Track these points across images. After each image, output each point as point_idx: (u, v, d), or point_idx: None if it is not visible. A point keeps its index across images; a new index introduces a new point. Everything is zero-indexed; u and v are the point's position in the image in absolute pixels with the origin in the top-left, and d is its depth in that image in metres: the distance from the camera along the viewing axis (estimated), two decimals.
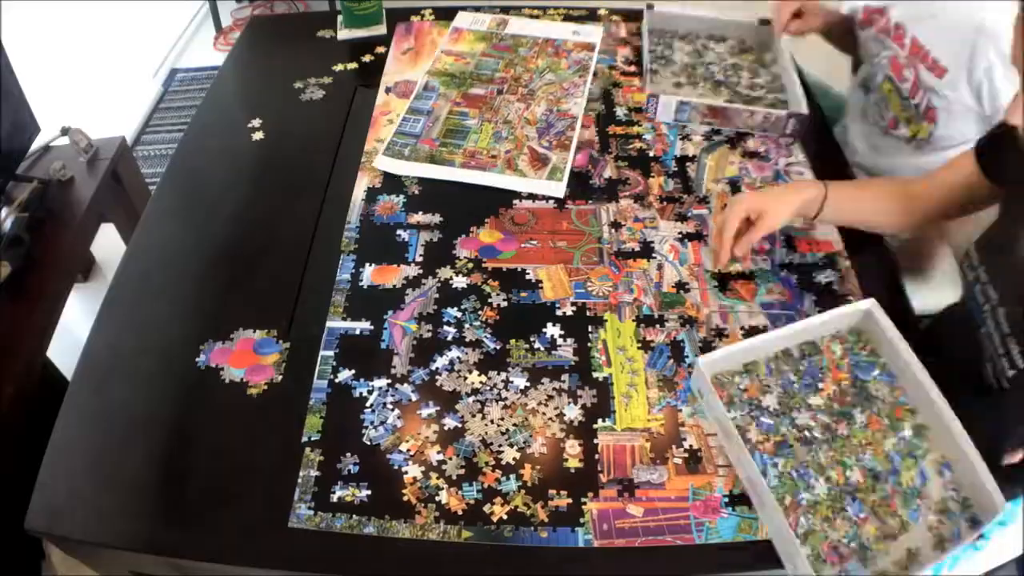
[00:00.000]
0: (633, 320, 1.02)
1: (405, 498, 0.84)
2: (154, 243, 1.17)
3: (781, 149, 1.27)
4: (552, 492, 0.85)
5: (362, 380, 0.95)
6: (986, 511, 0.81)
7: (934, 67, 1.16)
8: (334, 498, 0.84)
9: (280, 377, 0.96)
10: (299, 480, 0.86)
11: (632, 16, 1.58)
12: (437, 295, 1.05)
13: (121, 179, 1.74)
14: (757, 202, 1.01)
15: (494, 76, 1.41)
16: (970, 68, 1.11)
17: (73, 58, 2.21)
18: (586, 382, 0.95)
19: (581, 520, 0.83)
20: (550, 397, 0.93)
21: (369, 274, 1.08)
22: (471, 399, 0.93)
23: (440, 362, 0.97)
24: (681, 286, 1.06)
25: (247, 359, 0.98)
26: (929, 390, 0.87)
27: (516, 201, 1.19)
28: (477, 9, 1.61)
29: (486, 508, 0.84)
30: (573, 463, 0.88)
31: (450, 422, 0.91)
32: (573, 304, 1.04)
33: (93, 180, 1.61)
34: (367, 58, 1.50)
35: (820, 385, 0.92)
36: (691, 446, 0.89)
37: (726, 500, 0.84)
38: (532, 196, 1.19)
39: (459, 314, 1.03)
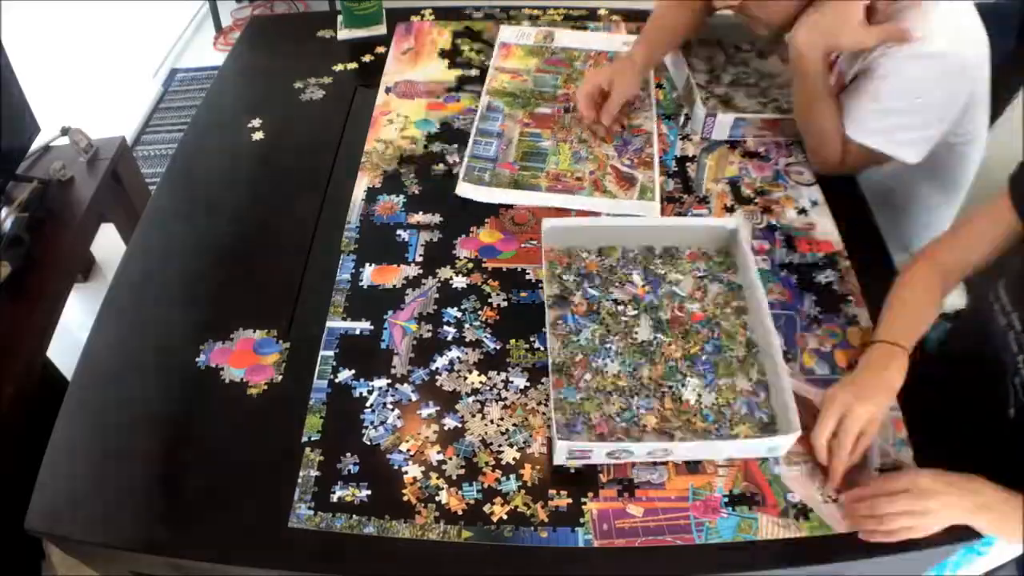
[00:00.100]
0: None
1: (405, 498, 0.84)
2: (154, 243, 1.17)
3: (781, 149, 1.27)
4: (552, 492, 0.85)
5: (362, 380, 0.95)
6: (785, 434, 0.86)
7: None
8: (334, 498, 0.84)
9: (280, 377, 0.96)
10: (299, 480, 0.86)
11: (632, 16, 1.58)
12: (437, 295, 1.05)
13: (121, 179, 1.74)
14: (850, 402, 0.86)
15: (556, 93, 1.38)
16: None
17: (73, 58, 2.21)
18: None
19: (581, 520, 0.83)
20: (550, 397, 0.93)
21: (369, 274, 1.08)
22: (471, 399, 0.93)
23: (440, 362, 0.97)
24: None
25: (247, 359, 0.98)
26: (765, 317, 0.95)
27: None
28: (477, 9, 1.61)
29: (486, 508, 0.84)
30: (573, 463, 0.88)
31: (450, 422, 0.91)
32: None
33: (93, 180, 1.61)
34: (367, 58, 1.50)
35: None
36: None
37: (726, 500, 0.84)
38: None
39: (459, 314, 1.03)
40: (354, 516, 0.83)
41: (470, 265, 1.09)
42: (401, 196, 1.20)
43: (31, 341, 1.33)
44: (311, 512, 0.83)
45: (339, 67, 1.48)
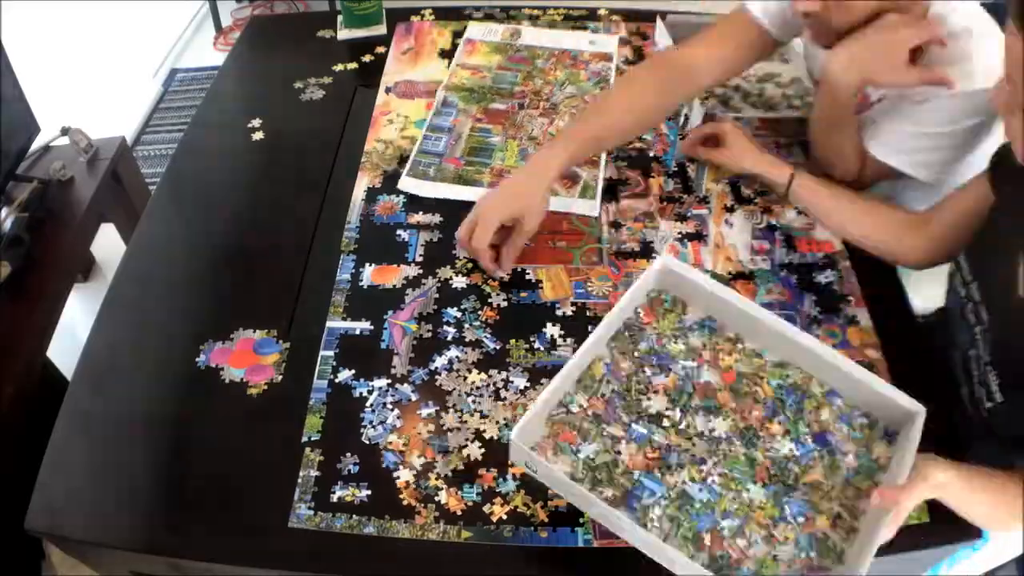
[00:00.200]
0: None
1: (404, 499, 0.84)
2: (154, 243, 1.17)
3: (780, 149, 1.27)
4: (552, 492, 0.85)
5: (362, 380, 0.95)
6: (898, 418, 0.74)
7: None
8: (334, 498, 0.84)
9: (280, 377, 0.96)
10: (299, 480, 0.86)
11: (632, 16, 1.57)
12: (437, 295, 1.05)
13: (121, 179, 1.74)
14: None
15: (514, 90, 1.38)
16: None
17: (73, 58, 2.21)
18: None
19: (581, 520, 0.83)
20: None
21: (369, 274, 1.08)
22: (471, 399, 0.93)
23: (440, 362, 0.97)
24: None
25: (247, 359, 0.98)
26: (774, 323, 0.79)
27: None
28: (477, 9, 1.61)
29: (485, 508, 0.84)
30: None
31: (450, 422, 0.91)
32: (573, 304, 1.04)
33: (93, 180, 1.62)
34: (367, 58, 1.50)
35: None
36: None
37: None
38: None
39: (459, 314, 1.03)
40: (354, 516, 0.83)
41: (470, 265, 1.09)
42: (401, 196, 1.20)
43: (31, 341, 1.33)
44: (311, 512, 0.83)
45: (339, 67, 1.48)
